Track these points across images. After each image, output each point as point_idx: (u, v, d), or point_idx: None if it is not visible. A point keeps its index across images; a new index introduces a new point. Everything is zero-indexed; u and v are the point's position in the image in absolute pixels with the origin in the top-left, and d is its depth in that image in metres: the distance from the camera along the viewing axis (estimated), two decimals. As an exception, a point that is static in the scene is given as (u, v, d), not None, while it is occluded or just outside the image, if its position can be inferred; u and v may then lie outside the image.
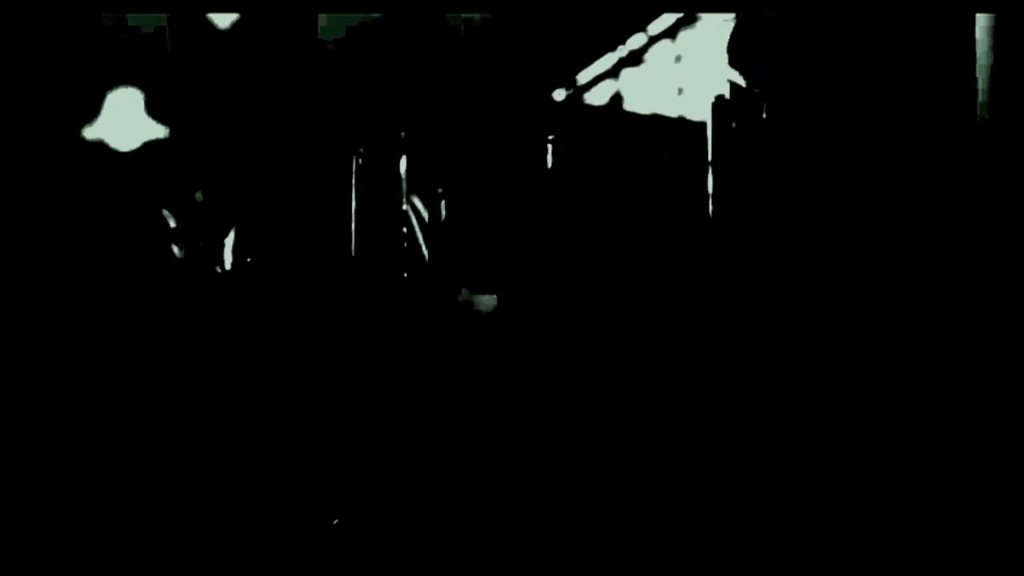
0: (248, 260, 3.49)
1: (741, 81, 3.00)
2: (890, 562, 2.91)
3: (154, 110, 3.14)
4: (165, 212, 3.44)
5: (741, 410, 3.13)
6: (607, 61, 5.86)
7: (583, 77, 5.78)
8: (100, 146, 3.11)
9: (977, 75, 3.00)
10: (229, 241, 3.60)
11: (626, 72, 5.85)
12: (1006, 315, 2.92)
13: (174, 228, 3.42)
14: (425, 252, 3.27)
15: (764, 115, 2.98)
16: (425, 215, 3.29)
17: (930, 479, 2.90)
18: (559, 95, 5.63)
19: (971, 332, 2.93)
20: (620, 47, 5.85)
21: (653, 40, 5.82)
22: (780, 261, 3.02)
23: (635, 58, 5.84)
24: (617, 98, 5.84)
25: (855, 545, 2.94)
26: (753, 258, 3.04)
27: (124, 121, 3.12)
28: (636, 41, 5.85)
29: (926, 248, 2.98)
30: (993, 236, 2.93)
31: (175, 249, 3.39)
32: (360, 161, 3.43)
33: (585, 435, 3.12)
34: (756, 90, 2.99)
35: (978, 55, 3.01)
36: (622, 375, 3.23)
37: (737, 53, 3.04)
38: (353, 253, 3.42)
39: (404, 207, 3.33)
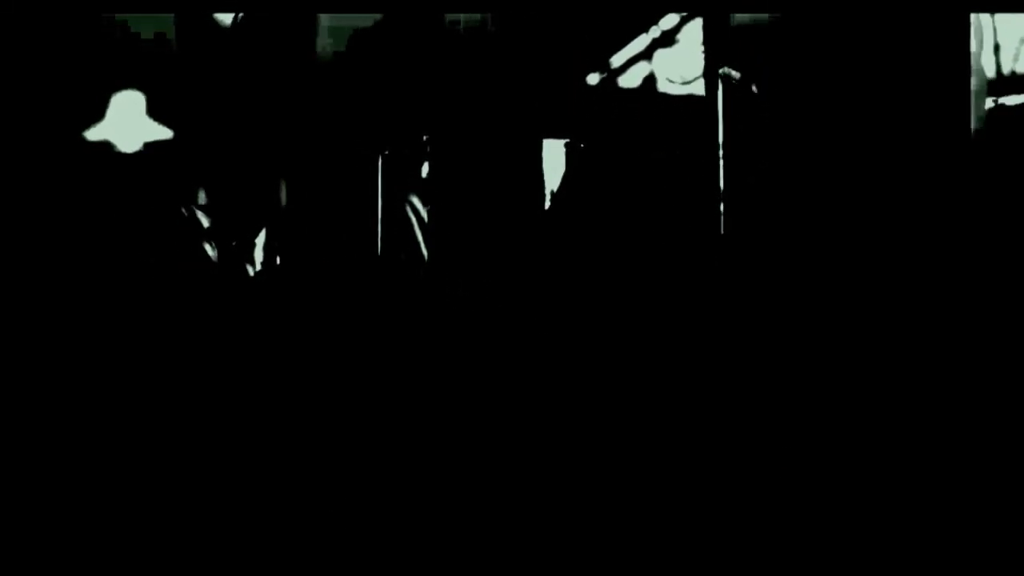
0: (278, 259, 3.62)
1: (735, 74, 3.00)
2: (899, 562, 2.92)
3: (164, 111, 3.25)
4: (199, 213, 3.58)
5: (754, 409, 3.17)
6: (640, 43, 5.85)
7: (616, 60, 5.78)
8: (104, 146, 3.23)
9: (972, 76, 2.96)
10: (259, 242, 3.73)
11: (659, 53, 5.83)
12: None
13: (207, 228, 3.56)
14: (424, 251, 3.38)
15: (762, 110, 2.98)
16: (424, 215, 3.44)
17: (925, 475, 2.91)
18: (593, 79, 5.64)
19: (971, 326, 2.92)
20: (653, 28, 5.83)
21: (686, 19, 5.79)
22: (776, 254, 3.03)
23: (668, 38, 5.81)
24: (651, 79, 5.83)
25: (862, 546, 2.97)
26: (751, 252, 3.06)
27: (128, 122, 3.24)
28: (669, 21, 5.83)
29: (921, 245, 2.97)
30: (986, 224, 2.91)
31: (208, 248, 3.53)
32: (383, 163, 3.51)
33: (586, 430, 3.19)
34: (752, 85, 2.99)
35: (972, 54, 2.97)
36: (631, 370, 3.29)
37: (733, 48, 3.04)
38: (379, 252, 3.52)
39: (406, 208, 3.42)
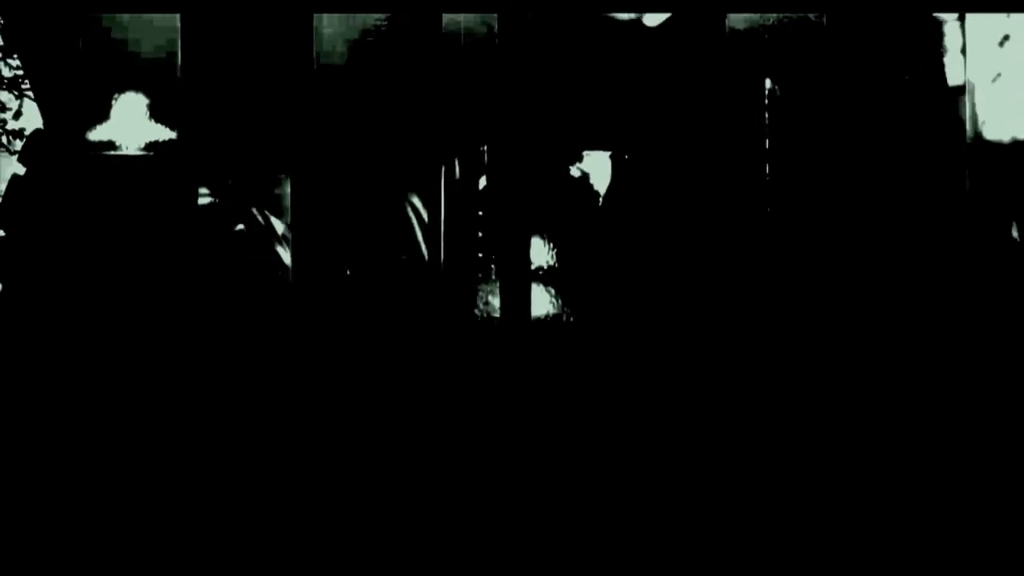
0: (347, 271, 3.65)
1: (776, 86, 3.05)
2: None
3: (211, 119, 3.35)
4: (273, 217, 3.68)
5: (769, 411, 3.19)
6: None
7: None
8: (109, 146, 3.33)
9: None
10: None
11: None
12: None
13: (282, 233, 3.66)
14: (424, 253, 3.38)
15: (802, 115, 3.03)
16: (425, 216, 3.37)
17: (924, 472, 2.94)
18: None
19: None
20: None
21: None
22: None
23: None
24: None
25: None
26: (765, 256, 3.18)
27: (133, 125, 3.35)
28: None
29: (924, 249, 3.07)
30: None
31: (281, 251, 3.59)
32: (445, 174, 3.56)
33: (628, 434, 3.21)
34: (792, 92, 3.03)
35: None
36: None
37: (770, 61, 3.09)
38: (443, 263, 3.45)
39: (407, 209, 3.35)
